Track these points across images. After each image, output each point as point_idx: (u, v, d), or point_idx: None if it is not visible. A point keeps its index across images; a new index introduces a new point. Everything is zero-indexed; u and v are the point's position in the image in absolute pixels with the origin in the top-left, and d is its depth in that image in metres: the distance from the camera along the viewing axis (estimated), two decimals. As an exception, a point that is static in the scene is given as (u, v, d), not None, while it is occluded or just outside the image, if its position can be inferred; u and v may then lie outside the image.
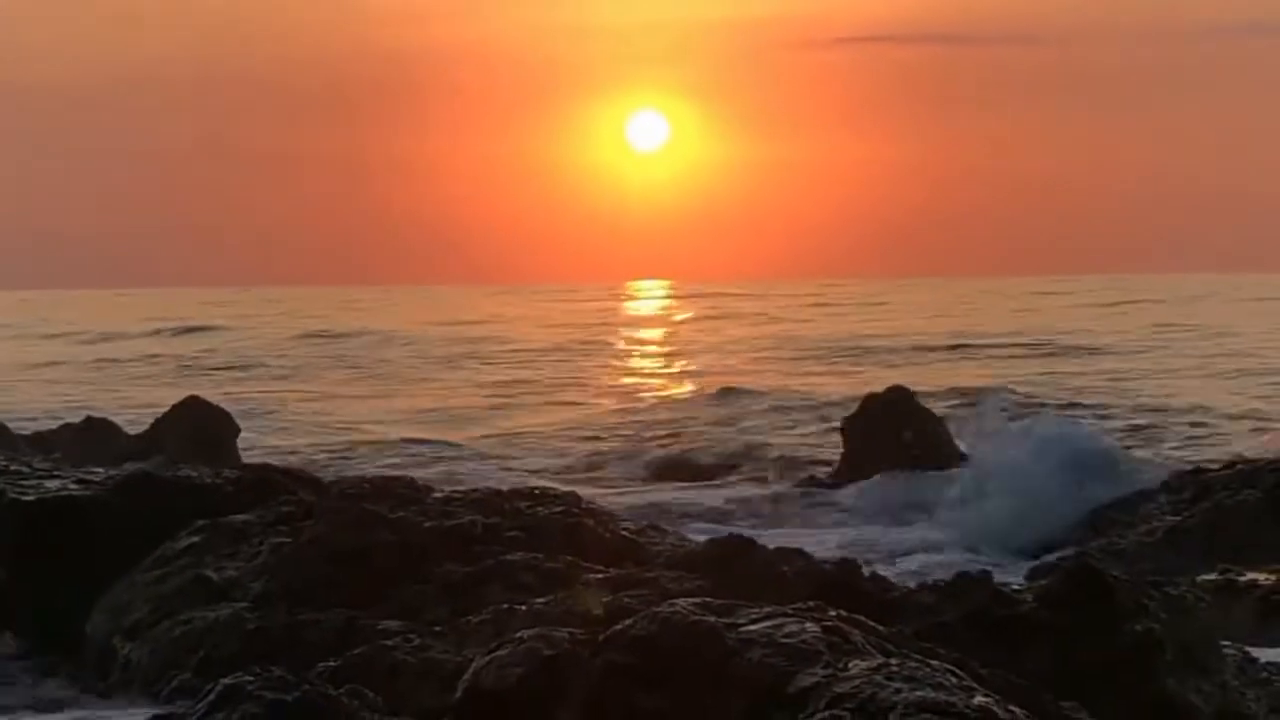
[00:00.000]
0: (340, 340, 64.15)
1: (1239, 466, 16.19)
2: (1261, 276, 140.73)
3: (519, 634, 7.18)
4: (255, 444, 28.00)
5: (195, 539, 11.65)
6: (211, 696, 7.44)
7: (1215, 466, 16.60)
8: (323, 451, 28.94)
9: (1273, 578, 12.93)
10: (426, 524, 11.49)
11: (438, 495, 12.71)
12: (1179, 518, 15.29)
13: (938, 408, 25.22)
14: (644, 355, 57.61)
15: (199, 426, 24.20)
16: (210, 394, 28.05)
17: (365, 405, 38.34)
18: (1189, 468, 17.72)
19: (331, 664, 8.78)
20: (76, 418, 25.52)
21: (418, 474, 18.45)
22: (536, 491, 12.84)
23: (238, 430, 25.00)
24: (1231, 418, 31.34)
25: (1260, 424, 30.17)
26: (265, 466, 14.76)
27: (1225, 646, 9.50)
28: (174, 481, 13.03)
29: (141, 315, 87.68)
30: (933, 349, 52.75)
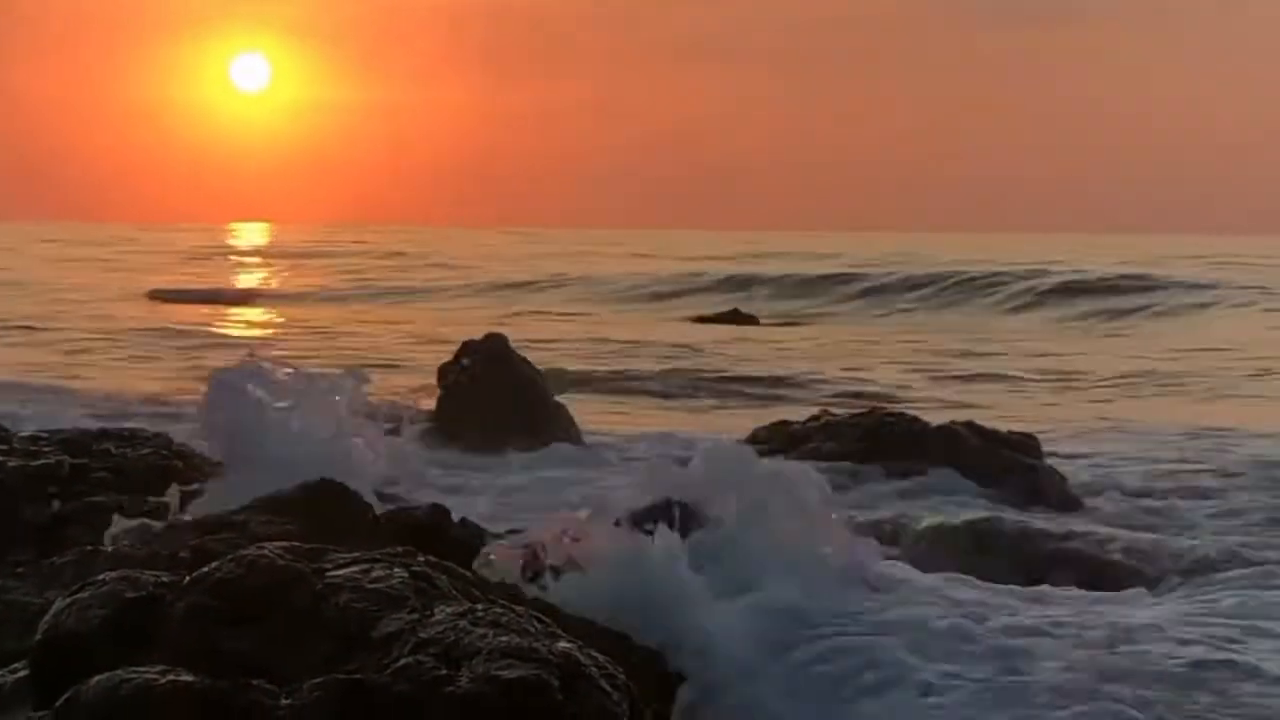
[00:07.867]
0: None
1: (825, 419, 16.42)
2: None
3: (102, 576, 7.10)
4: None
5: None
6: None
7: (800, 419, 16.76)
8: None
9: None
10: (11, 463, 11.23)
11: (24, 435, 12.41)
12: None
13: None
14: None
15: None
16: None
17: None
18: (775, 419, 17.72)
19: (-95, 606, 8.54)
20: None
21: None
22: (127, 433, 12.62)
23: None
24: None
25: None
26: None
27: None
28: None
29: None
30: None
